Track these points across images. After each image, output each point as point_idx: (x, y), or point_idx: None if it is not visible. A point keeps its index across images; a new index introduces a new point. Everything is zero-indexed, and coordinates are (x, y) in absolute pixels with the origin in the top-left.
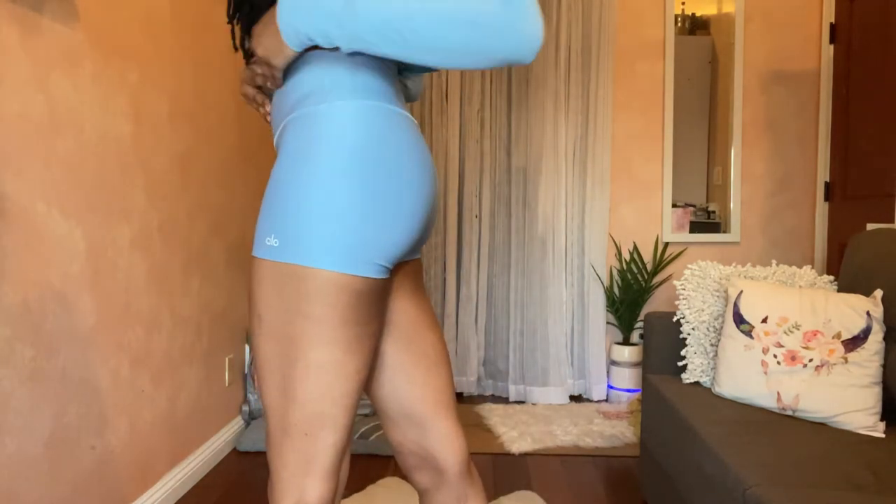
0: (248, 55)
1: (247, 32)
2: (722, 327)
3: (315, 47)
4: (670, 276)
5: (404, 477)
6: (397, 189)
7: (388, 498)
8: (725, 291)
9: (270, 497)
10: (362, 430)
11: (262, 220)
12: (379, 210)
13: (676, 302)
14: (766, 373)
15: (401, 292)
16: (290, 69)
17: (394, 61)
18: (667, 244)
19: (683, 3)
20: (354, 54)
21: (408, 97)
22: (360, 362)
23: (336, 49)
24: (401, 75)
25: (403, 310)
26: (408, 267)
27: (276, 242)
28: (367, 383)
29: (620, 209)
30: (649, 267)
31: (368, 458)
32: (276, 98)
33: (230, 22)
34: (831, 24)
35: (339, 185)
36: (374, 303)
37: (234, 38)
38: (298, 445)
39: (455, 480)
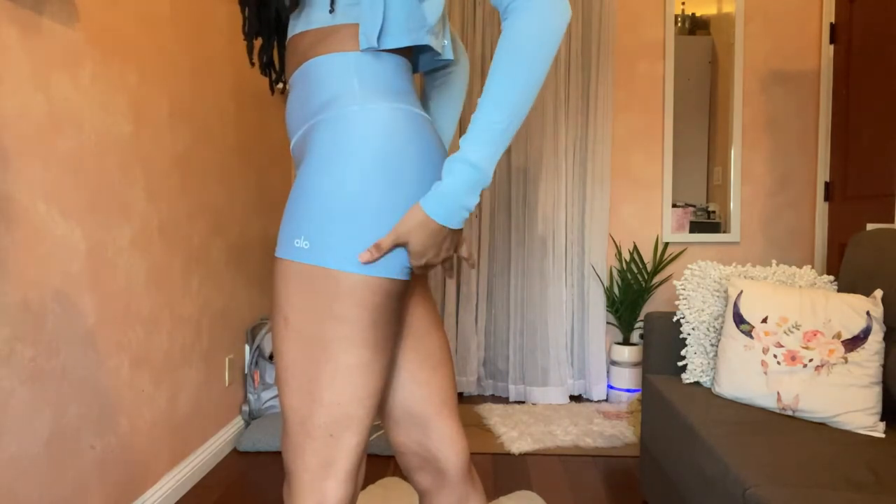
0: (266, 68)
1: (268, 45)
2: (722, 327)
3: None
4: (670, 276)
5: (404, 477)
6: (423, 191)
7: (388, 498)
8: (725, 291)
9: (287, 499)
10: (381, 425)
11: (289, 221)
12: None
13: (676, 302)
14: (766, 373)
15: (410, 292)
16: (311, 70)
17: (411, 63)
18: (667, 244)
19: (683, 3)
20: (379, 56)
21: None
22: (386, 362)
23: (360, 51)
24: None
25: (412, 309)
26: None
27: (306, 244)
28: None
29: (620, 209)
30: (649, 267)
31: (369, 458)
32: (295, 99)
33: (247, 39)
34: (831, 24)
35: (373, 189)
36: (400, 303)
37: (250, 54)
38: (321, 447)
39: (456, 481)
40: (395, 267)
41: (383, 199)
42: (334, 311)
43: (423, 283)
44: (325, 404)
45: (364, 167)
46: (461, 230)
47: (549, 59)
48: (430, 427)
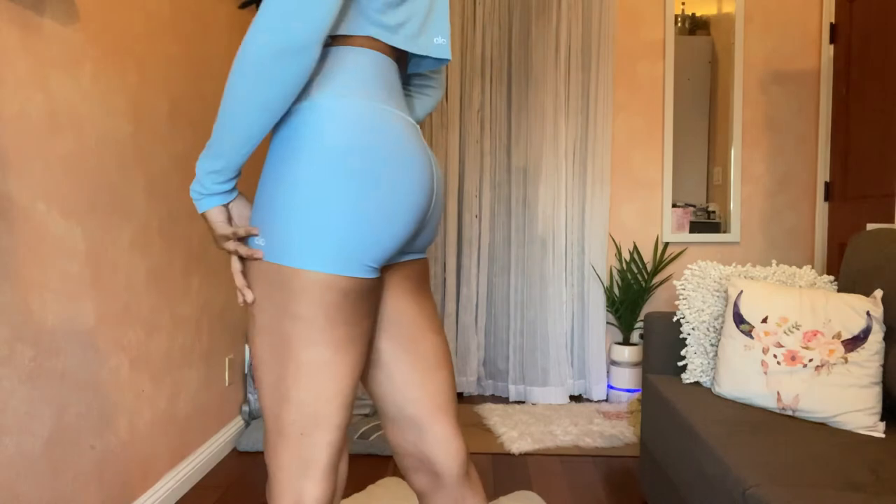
0: None
1: None
2: (722, 327)
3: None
4: (670, 276)
5: (404, 477)
6: (383, 188)
7: (388, 498)
8: (725, 291)
9: (269, 498)
10: (362, 429)
11: (251, 220)
12: (363, 209)
13: (676, 302)
14: (766, 373)
15: (401, 292)
16: None
17: (397, 67)
18: (667, 244)
19: (683, 3)
20: (345, 54)
21: (413, 114)
22: (352, 361)
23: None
24: (409, 88)
25: (403, 310)
26: (410, 267)
27: (262, 243)
28: (367, 382)
29: (620, 209)
30: (649, 267)
31: (368, 458)
32: None
33: (242, 7)
34: (831, 24)
35: (322, 185)
36: (362, 302)
37: None
38: (294, 446)
39: (452, 484)
40: (351, 265)
41: (334, 196)
42: (290, 309)
43: (418, 284)
44: (293, 403)
45: (313, 164)
46: (214, 218)
47: (245, 81)
48: (424, 429)
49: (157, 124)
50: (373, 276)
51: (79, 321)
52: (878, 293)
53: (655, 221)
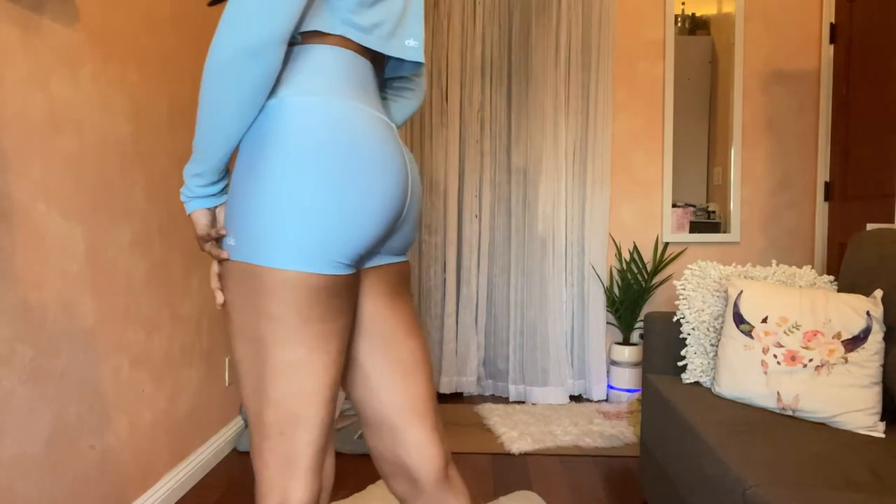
0: None
1: None
2: (722, 327)
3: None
4: (670, 276)
5: (385, 483)
6: (353, 185)
7: (388, 498)
8: (725, 291)
9: (256, 498)
10: (362, 430)
11: (224, 219)
12: (331, 206)
13: (676, 302)
14: (766, 373)
15: (377, 295)
16: None
17: (372, 67)
18: (667, 244)
19: (683, 3)
20: (316, 52)
21: (392, 117)
22: (327, 359)
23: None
24: (388, 91)
25: (378, 313)
26: (388, 269)
27: (233, 242)
28: (346, 386)
29: (620, 209)
30: (649, 267)
31: (368, 458)
32: None
33: (211, 5)
34: (831, 24)
35: (288, 182)
36: (336, 299)
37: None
38: (276, 445)
39: (430, 490)
40: (321, 262)
41: (298, 192)
42: (262, 308)
43: (395, 287)
44: (272, 402)
45: (280, 161)
46: (197, 220)
47: (212, 85)
48: (401, 434)
49: (157, 124)
50: (346, 272)
51: (79, 321)
52: (878, 293)
53: (655, 221)
